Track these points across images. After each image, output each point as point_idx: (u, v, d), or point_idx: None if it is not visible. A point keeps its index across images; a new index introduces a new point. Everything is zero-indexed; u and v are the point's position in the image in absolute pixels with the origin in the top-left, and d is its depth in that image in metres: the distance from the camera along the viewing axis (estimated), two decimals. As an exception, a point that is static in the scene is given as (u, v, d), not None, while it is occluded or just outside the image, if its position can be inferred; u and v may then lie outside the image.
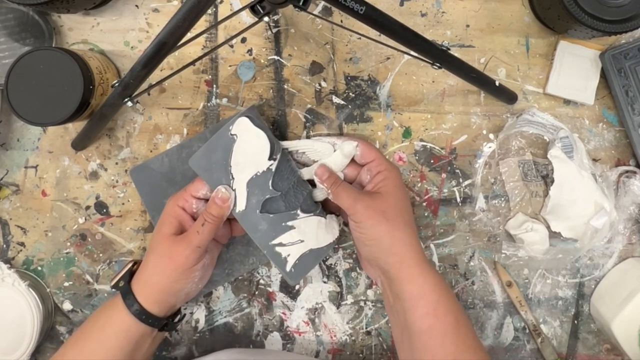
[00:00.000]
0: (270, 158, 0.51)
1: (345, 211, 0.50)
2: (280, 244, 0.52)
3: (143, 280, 0.50)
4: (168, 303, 0.50)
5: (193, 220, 0.51)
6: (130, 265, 0.53)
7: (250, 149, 0.50)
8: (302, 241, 0.53)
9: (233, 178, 0.50)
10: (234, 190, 0.51)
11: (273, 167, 0.51)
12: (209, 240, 0.49)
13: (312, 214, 0.54)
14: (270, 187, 0.51)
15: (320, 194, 0.54)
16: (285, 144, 0.54)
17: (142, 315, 0.48)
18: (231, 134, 0.50)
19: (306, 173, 0.54)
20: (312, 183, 0.55)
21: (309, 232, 0.53)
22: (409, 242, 0.49)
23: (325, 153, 0.54)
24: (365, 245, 0.50)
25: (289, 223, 0.53)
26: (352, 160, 0.54)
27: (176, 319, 0.53)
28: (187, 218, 0.51)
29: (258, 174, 0.51)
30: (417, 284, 0.47)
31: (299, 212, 0.53)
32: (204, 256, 0.50)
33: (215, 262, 0.56)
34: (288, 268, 0.53)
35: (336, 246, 0.60)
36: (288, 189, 0.52)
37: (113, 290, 0.54)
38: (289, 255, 0.53)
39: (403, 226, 0.49)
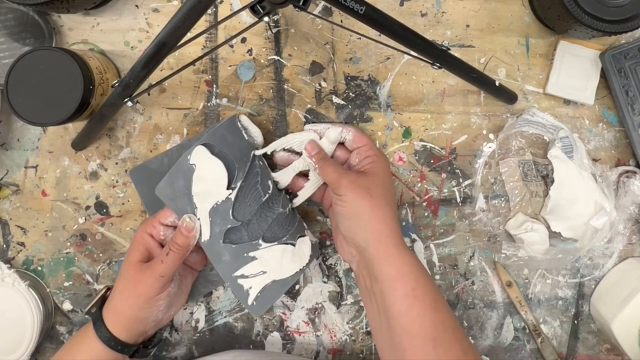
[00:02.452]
0: (228, 187, 0.50)
1: (330, 185, 0.50)
2: (243, 276, 0.52)
3: (111, 307, 0.50)
4: (136, 330, 0.50)
5: (161, 248, 0.51)
6: (103, 291, 0.53)
7: (208, 179, 0.49)
8: (264, 272, 0.52)
9: (196, 207, 0.50)
10: (198, 219, 0.50)
11: (232, 197, 0.50)
12: (174, 269, 0.49)
13: (276, 242, 0.52)
14: (231, 217, 0.50)
15: (284, 177, 0.54)
16: (270, 147, 0.53)
17: (111, 342, 0.49)
18: (190, 163, 0.49)
19: (284, 175, 0.54)
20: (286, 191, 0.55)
21: (272, 263, 0.52)
22: (389, 222, 0.48)
23: None
24: (345, 220, 0.49)
25: (251, 254, 0.52)
26: (343, 146, 0.55)
27: (150, 346, 0.53)
28: (155, 245, 0.51)
29: (218, 203, 0.50)
30: (395, 265, 0.47)
31: (260, 241, 0.52)
32: (168, 285, 0.50)
33: (190, 288, 0.56)
34: (250, 301, 0.52)
35: (336, 246, 0.60)
36: (251, 217, 0.51)
37: (86, 316, 0.56)
38: (251, 287, 0.52)
39: (385, 205, 0.49)
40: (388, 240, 0.48)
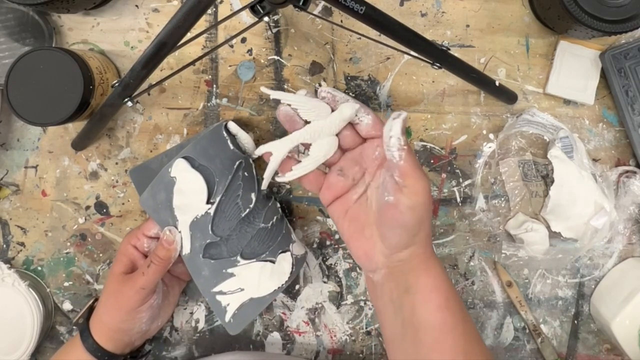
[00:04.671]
0: (208, 202, 0.49)
1: (398, 172, 0.41)
2: (221, 292, 0.51)
3: (97, 318, 0.50)
4: (122, 341, 0.50)
5: (145, 259, 0.51)
6: (91, 302, 0.54)
7: (188, 192, 0.49)
8: (242, 290, 0.51)
9: (177, 220, 0.49)
10: (180, 232, 0.50)
11: (211, 211, 0.49)
12: (155, 282, 0.49)
13: (254, 259, 0.52)
14: (210, 232, 0.50)
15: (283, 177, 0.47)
16: (278, 94, 0.45)
17: (98, 352, 0.49)
18: (171, 176, 0.49)
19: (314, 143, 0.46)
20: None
21: (249, 280, 0.51)
22: (429, 237, 0.44)
23: (321, 113, 0.46)
24: (400, 213, 0.41)
25: (229, 270, 0.51)
26: (352, 127, 0.47)
27: (138, 356, 0.54)
28: (139, 257, 0.51)
29: (198, 217, 0.49)
30: (432, 276, 0.43)
31: (239, 258, 0.51)
32: (150, 297, 0.49)
33: (177, 299, 0.56)
34: (227, 318, 0.51)
35: (336, 246, 0.60)
36: (230, 233, 0.50)
37: (74, 327, 0.57)
38: (228, 304, 0.51)
39: (427, 219, 0.43)
40: (427, 248, 0.44)
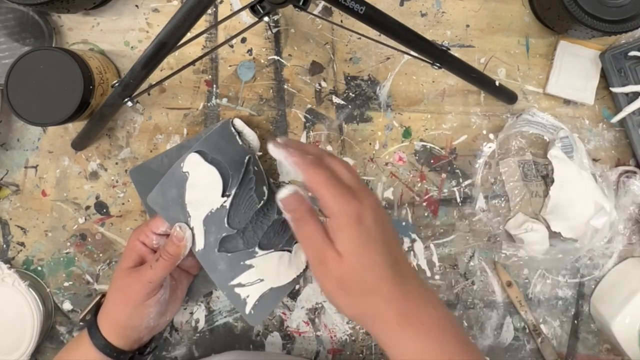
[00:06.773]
0: (223, 195, 0.49)
1: None
2: (240, 285, 0.51)
3: (104, 314, 0.50)
4: (130, 337, 0.50)
5: (154, 254, 0.50)
6: (98, 298, 0.54)
7: (202, 186, 0.49)
8: (261, 280, 0.51)
9: (190, 216, 0.49)
10: (192, 228, 0.49)
11: (227, 204, 0.49)
12: (162, 276, 0.48)
13: (272, 250, 0.52)
14: (226, 225, 0.49)
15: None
16: None
17: (107, 348, 0.48)
18: (183, 171, 0.49)
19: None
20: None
21: (268, 270, 0.51)
22: (384, 304, 0.39)
23: None
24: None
25: (247, 262, 0.51)
26: None
27: (145, 352, 0.53)
28: (148, 252, 0.51)
29: (212, 211, 0.49)
30: (400, 349, 0.39)
31: (257, 249, 0.51)
32: (157, 291, 0.49)
33: (185, 293, 0.55)
34: (247, 310, 0.51)
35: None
36: (246, 225, 0.50)
37: (81, 323, 0.57)
38: (248, 296, 0.51)
39: (368, 292, 0.39)
40: (390, 326, 0.39)
